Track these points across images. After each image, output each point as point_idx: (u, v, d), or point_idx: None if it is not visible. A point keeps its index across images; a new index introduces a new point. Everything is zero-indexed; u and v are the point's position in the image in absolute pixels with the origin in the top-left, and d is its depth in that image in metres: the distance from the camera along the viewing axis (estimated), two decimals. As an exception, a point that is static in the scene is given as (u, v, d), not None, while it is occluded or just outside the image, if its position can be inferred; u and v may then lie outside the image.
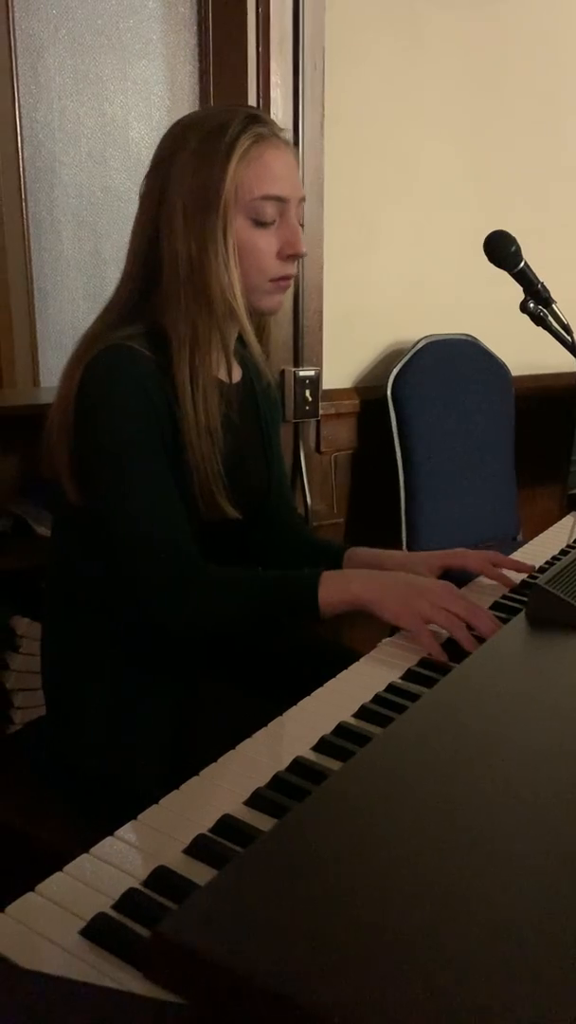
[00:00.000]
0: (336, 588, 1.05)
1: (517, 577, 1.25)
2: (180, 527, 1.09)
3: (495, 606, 1.16)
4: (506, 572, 1.24)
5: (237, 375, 1.25)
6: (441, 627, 1.01)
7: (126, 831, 0.69)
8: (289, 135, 1.16)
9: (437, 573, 1.21)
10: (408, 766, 0.69)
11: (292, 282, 1.18)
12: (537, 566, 1.30)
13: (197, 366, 1.10)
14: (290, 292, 2.04)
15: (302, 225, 1.15)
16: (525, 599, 1.13)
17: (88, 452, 1.08)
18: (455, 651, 0.99)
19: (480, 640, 1.00)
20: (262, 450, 1.30)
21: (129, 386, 1.06)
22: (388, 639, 1.06)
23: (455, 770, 0.68)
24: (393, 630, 1.07)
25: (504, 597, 1.19)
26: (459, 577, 1.20)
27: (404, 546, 2.25)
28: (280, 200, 1.11)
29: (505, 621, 1.03)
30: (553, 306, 1.27)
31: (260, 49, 1.90)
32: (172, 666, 1.14)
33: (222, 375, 1.19)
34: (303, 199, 1.16)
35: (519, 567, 1.25)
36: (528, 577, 1.27)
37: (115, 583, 1.10)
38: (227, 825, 0.69)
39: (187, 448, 1.10)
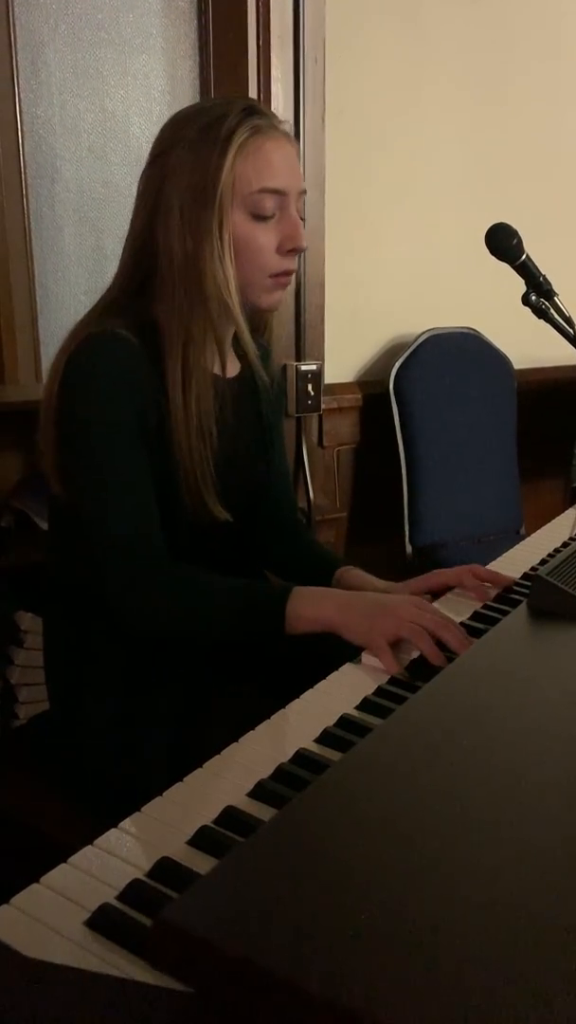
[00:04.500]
0: (307, 606, 1.03)
1: (496, 591, 1.20)
2: (148, 520, 1.07)
3: (486, 607, 1.15)
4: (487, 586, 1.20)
5: (234, 369, 1.23)
6: (408, 640, 0.99)
7: (130, 823, 0.70)
8: (289, 127, 1.14)
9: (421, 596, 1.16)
10: (409, 755, 0.70)
11: (292, 279, 1.17)
12: (523, 572, 1.27)
13: (191, 362, 1.09)
14: (292, 286, 2.04)
15: (303, 219, 1.13)
16: (503, 607, 1.13)
17: (64, 437, 1.08)
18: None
19: (450, 656, 0.96)
20: (261, 448, 1.29)
21: (111, 372, 1.05)
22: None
23: (457, 759, 0.69)
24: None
25: (485, 607, 1.15)
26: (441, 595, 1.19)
27: (407, 539, 2.25)
28: (280, 193, 1.09)
29: (479, 632, 1.01)
30: (555, 299, 1.27)
31: (260, 42, 1.90)
32: (175, 660, 1.14)
33: (216, 369, 1.17)
34: (304, 192, 1.13)
35: (498, 580, 1.21)
36: (530, 570, 1.27)
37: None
38: (230, 816, 0.69)
39: (175, 446, 1.09)
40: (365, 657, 0.99)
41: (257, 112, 1.09)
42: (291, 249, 1.11)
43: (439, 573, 1.21)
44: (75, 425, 1.07)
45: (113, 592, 1.06)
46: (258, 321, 1.25)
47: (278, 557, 1.35)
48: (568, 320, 1.29)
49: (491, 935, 0.48)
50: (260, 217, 1.09)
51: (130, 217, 1.15)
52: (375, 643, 0.98)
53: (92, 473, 1.06)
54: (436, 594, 1.19)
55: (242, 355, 1.25)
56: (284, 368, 2.05)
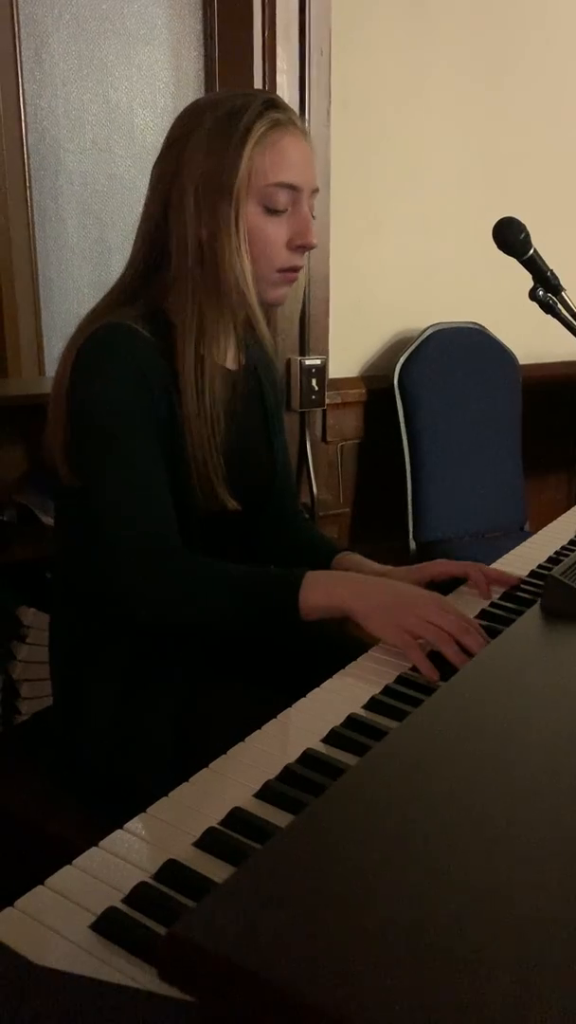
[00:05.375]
0: (321, 591, 1.01)
1: (502, 590, 1.18)
2: (160, 509, 1.06)
3: (494, 605, 1.14)
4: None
5: (238, 362, 1.23)
6: (430, 643, 0.97)
7: (135, 824, 0.69)
8: (306, 123, 1.13)
9: (422, 585, 1.14)
10: (425, 762, 0.68)
11: (299, 276, 1.16)
12: (530, 570, 1.26)
13: (203, 353, 1.08)
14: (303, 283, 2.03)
15: (314, 217, 1.13)
16: (511, 606, 1.12)
17: (78, 426, 1.07)
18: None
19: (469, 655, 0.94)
20: (266, 439, 1.29)
21: (125, 362, 1.04)
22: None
23: (475, 763, 0.67)
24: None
25: (493, 605, 1.13)
26: (445, 586, 1.17)
27: (410, 535, 2.24)
28: (293, 188, 1.08)
29: (489, 631, 1.00)
30: (563, 294, 1.26)
31: (266, 34, 1.88)
32: (180, 657, 1.13)
33: (223, 361, 1.16)
34: (316, 190, 1.13)
35: (504, 579, 1.18)
36: (538, 568, 1.26)
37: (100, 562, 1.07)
38: (237, 818, 0.68)
39: (186, 436, 1.08)
40: (377, 650, 0.98)
41: (277, 106, 1.08)
42: (300, 245, 1.11)
43: (443, 563, 1.20)
44: (90, 414, 1.06)
45: (125, 579, 1.04)
46: (263, 315, 1.24)
47: (278, 547, 1.34)
48: (576, 315, 1.27)
49: (519, 949, 0.47)
50: (272, 211, 1.08)
51: (140, 206, 1.13)
52: (402, 641, 0.97)
53: (105, 457, 1.05)
54: (437, 585, 1.18)
55: (244, 347, 1.24)
56: (288, 362, 2.04)
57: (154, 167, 1.12)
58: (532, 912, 0.51)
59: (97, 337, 1.05)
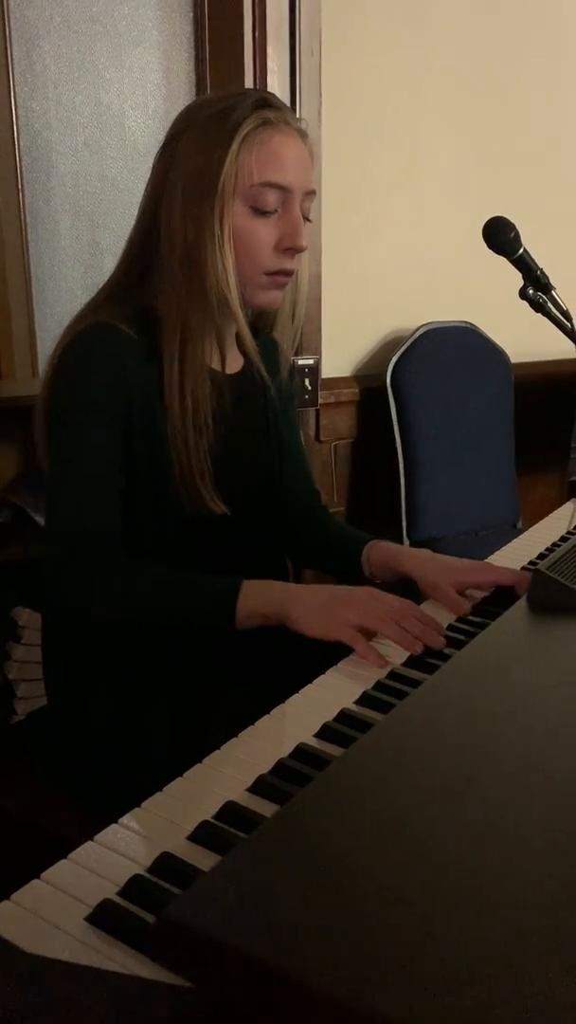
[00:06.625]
0: (256, 600, 1.00)
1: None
2: (102, 510, 1.05)
3: (485, 602, 1.15)
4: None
5: (236, 366, 1.23)
6: (369, 628, 0.97)
7: (130, 818, 0.70)
8: (305, 124, 1.11)
9: (459, 589, 1.11)
10: (411, 750, 0.70)
11: (290, 280, 1.14)
12: (521, 567, 1.26)
13: (187, 354, 1.08)
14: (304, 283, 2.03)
15: (308, 219, 1.11)
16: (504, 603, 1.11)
17: (51, 425, 1.08)
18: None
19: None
20: (265, 444, 1.28)
21: (103, 362, 1.05)
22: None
23: (458, 754, 0.69)
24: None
25: (484, 601, 1.13)
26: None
27: (404, 534, 2.25)
28: (283, 189, 1.07)
29: (480, 627, 1.01)
30: (552, 292, 1.27)
31: (256, 35, 1.89)
32: (174, 654, 1.14)
33: (216, 365, 1.16)
34: (311, 192, 1.11)
35: None
36: (528, 564, 1.27)
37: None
38: (231, 811, 0.69)
39: (170, 438, 1.08)
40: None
41: (270, 105, 1.07)
42: (288, 247, 1.09)
43: (494, 570, 1.14)
44: (56, 410, 1.07)
45: (49, 568, 1.04)
46: (265, 317, 1.25)
47: (301, 545, 1.33)
48: (566, 314, 1.28)
49: (496, 931, 0.48)
50: (261, 211, 1.07)
51: (133, 207, 1.14)
52: (344, 633, 0.96)
53: (58, 456, 1.06)
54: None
55: (246, 351, 1.24)
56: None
57: (152, 166, 1.12)
58: (509, 889, 0.52)
59: (81, 337, 1.06)
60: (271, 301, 1.15)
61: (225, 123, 1.04)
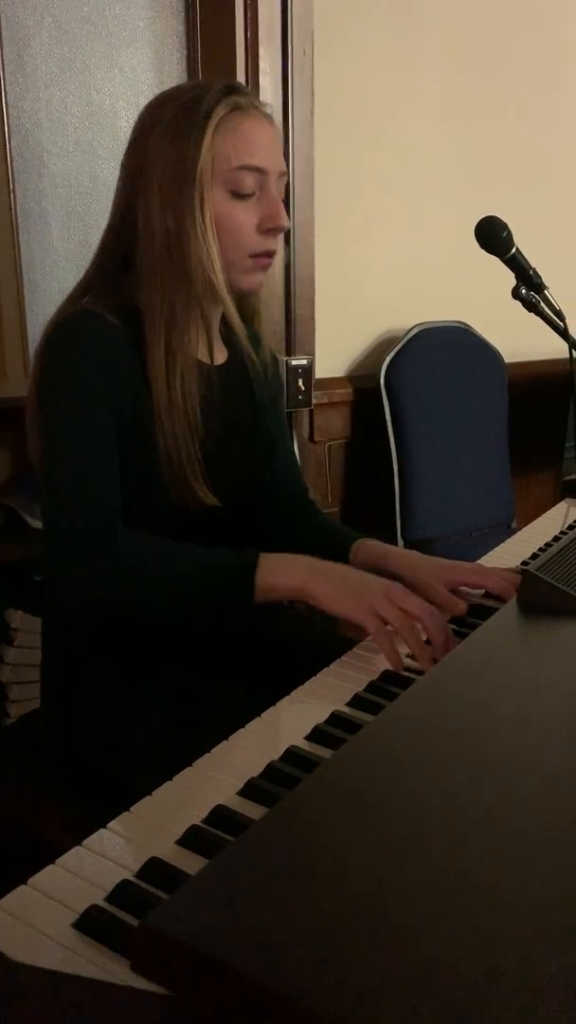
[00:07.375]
0: (279, 572, 0.98)
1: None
2: (103, 489, 1.02)
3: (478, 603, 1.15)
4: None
5: (222, 357, 1.22)
6: (393, 626, 0.94)
7: (119, 823, 0.69)
8: (270, 108, 1.13)
9: (449, 588, 1.10)
10: (400, 752, 0.69)
11: (273, 261, 1.14)
12: (514, 567, 1.26)
13: (174, 346, 1.08)
14: (282, 280, 2.03)
15: (285, 201, 1.12)
16: (497, 604, 1.10)
17: (40, 414, 1.06)
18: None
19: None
20: (253, 436, 1.27)
21: (89, 346, 1.04)
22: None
23: (448, 755, 0.68)
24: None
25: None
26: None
27: (398, 534, 2.25)
28: (259, 171, 1.08)
29: (472, 627, 1.00)
30: (545, 292, 1.26)
31: (248, 35, 1.88)
32: (171, 658, 1.13)
33: (202, 356, 1.16)
34: (284, 173, 1.12)
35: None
36: (521, 564, 1.26)
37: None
38: (220, 816, 0.69)
39: (158, 430, 1.07)
40: (361, 647, 0.98)
41: (237, 91, 1.08)
42: (271, 228, 1.10)
43: (480, 572, 1.12)
44: (46, 397, 1.05)
45: (50, 556, 1.01)
46: (246, 309, 1.24)
47: (288, 539, 1.32)
48: (558, 313, 1.28)
49: (486, 936, 0.48)
50: (239, 195, 1.07)
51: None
52: (370, 621, 0.94)
53: (55, 433, 1.03)
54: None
55: (231, 343, 1.23)
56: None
57: (121, 165, 1.12)
58: (499, 890, 0.51)
59: (66, 322, 1.05)
60: (256, 284, 1.15)
61: (196, 112, 1.04)
